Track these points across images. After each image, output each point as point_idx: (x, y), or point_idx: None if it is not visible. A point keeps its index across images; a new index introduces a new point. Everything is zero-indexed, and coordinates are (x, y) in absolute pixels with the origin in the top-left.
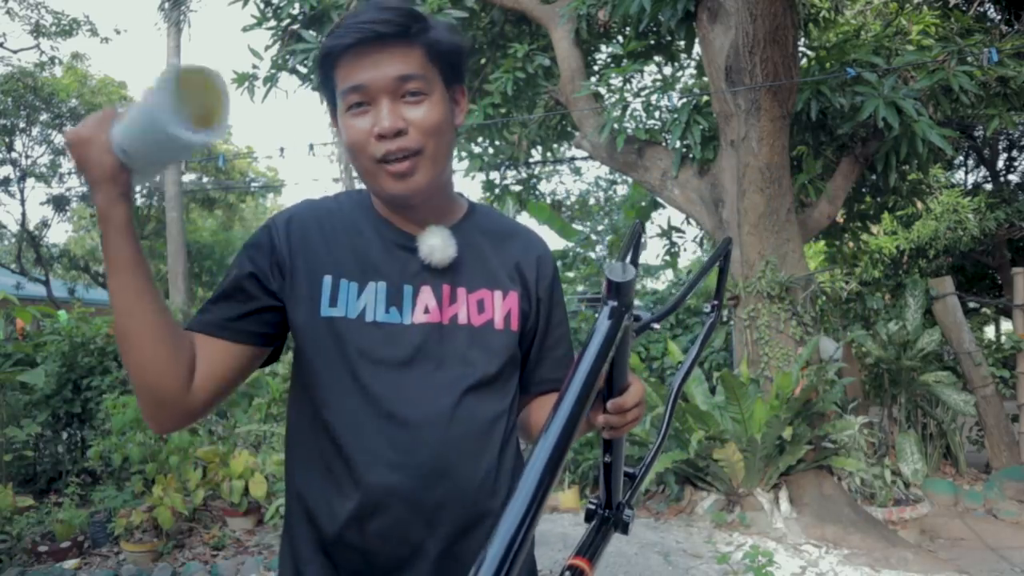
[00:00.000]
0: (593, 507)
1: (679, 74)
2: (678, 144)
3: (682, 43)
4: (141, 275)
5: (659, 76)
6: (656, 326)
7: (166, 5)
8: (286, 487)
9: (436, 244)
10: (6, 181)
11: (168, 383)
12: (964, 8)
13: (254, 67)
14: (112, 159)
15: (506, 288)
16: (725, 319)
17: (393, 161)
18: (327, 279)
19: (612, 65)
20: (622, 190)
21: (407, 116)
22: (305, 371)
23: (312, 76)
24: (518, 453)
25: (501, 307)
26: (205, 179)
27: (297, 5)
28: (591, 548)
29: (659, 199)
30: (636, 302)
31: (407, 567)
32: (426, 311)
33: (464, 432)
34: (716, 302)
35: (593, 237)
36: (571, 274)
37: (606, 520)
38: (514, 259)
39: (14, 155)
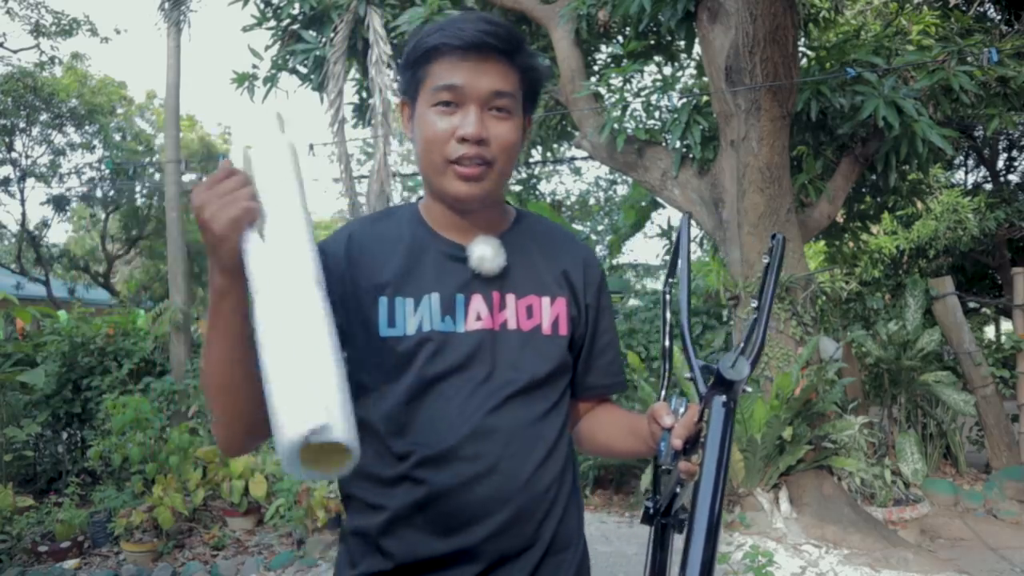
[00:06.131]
0: (651, 510)
1: (679, 74)
2: (678, 144)
3: (682, 43)
4: (249, 343)
5: (659, 76)
6: (748, 388)
7: (166, 5)
8: (343, 494)
9: (486, 254)
10: (6, 181)
11: (258, 427)
12: (964, 8)
13: (254, 67)
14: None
15: (554, 294)
16: (725, 319)
17: (466, 164)
18: (383, 300)
19: (612, 65)
20: (622, 190)
21: (490, 129)
22: (362, 382)
23: (312, 76)
24: (569, 452)
25: (549, 313)
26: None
27: (297, 5)
28: (658, 565)
29: (659, 199)
30: (637, 302)
31: (456, 560)
32: (478, 318)
33: (511, 433)
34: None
35: (593, 237)
36: None
37: (665, 527)
38: (561, 265)
39: (14, 155)
